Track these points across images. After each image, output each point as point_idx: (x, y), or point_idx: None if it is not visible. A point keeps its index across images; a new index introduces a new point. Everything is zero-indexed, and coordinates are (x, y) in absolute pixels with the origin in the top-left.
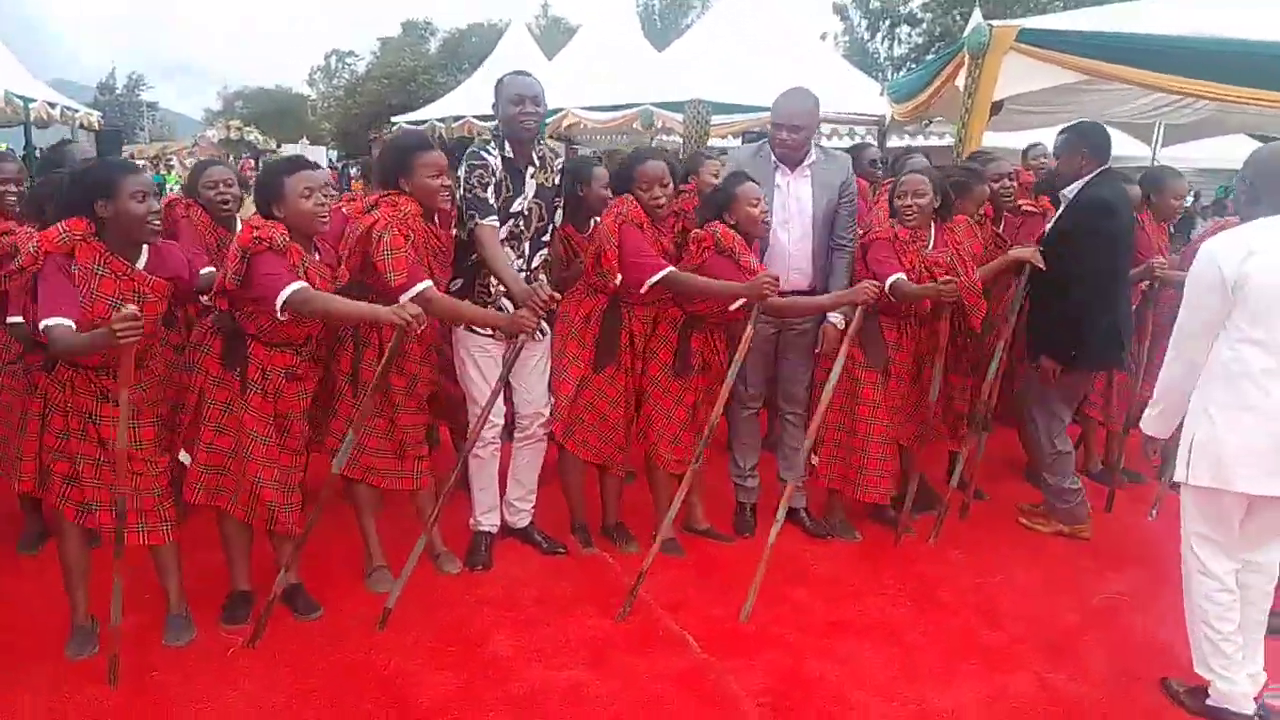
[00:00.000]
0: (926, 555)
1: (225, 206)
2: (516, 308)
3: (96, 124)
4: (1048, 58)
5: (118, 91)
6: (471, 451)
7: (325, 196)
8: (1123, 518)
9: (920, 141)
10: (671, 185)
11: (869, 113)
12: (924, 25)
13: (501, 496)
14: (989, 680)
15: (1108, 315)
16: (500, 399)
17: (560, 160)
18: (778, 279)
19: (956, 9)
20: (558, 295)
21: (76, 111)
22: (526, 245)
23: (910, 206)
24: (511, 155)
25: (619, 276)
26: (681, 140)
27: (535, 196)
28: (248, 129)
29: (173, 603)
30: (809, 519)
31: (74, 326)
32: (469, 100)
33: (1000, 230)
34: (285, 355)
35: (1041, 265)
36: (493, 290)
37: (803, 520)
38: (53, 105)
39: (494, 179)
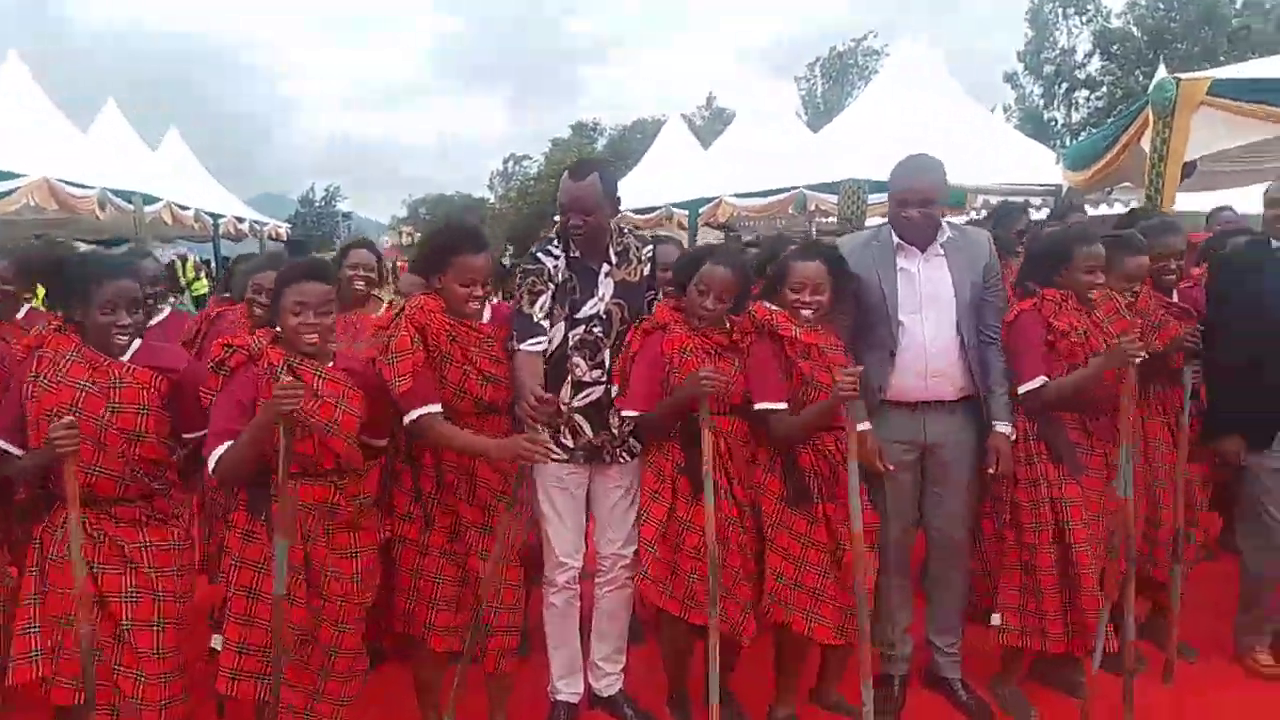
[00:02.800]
0: None
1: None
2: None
3: (285, 235)
4: (1246, 111)
5: (316, 203)
6: (544, 600)
7: (325, 313)
8: None
9: (1104, 210)
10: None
11: (1044, 183)
12: (1104, 88)
13: (586, 655)
14: None
15: None
16: (580, 536)
17: (648, 250)
18: (712, 375)
19: (1139, 68)
20: (547, 396)
21: (265, 225)
22: (606, 353)
23: (1096, 284)
24: (579, 253)
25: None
26: (836, 222)
27: (615, 296)
28: (419, 234)
29: None
30: (964, 691)
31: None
32: (626, 195)
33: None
34: (319, 488)
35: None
36: (563, 407)
37: (956, 693)
38: (241, 220)
39: (550, 286)
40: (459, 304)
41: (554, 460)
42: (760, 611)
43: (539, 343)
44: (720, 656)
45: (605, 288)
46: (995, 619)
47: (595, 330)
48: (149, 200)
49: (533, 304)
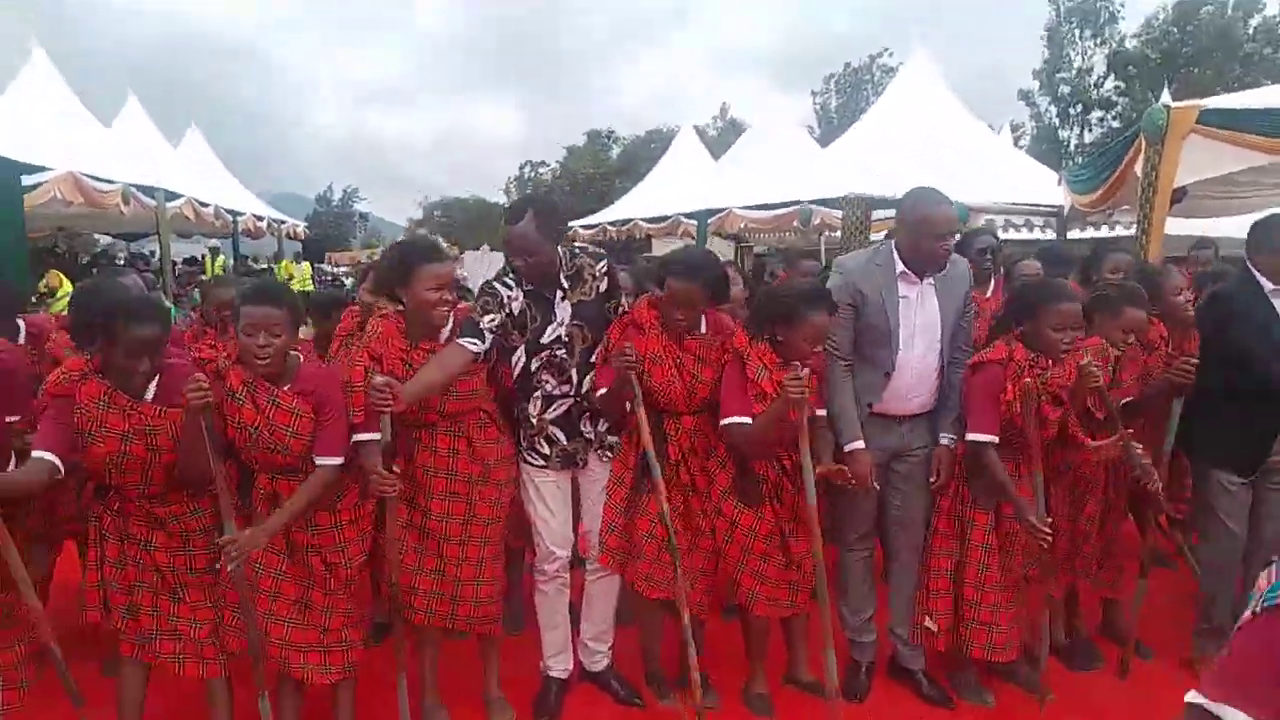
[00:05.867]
0: None
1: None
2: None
3: (302, 234)
4: (1234, 139)
5: (333, 203)
6: (535, 586)
7: (275, 335)
8: None
9: (1105, 233)
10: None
11: (1045, 203)
12: (1119, 108)
13: (576, 635)
14: None
15: None
16: (568, 527)
17: (602, 265)
18: (627, 354)
19: (1153, 90)
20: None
21: (283, 223)
22: (574, 371)
23: (1071, 342)
24: (533, 286)
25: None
26: (840, 236)
27: (574, 319)
28: (434, 236)
29: None
30: (926, 682)
31: (57, 463)
32: (636, 204)
33: (1170, 348)
34: (295, 482)
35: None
36: (534, 420)
37: (919, 683)
38: (260, 218)
39: (503, 312)
40: (428, 310)
41: (534, 465)
42: (715, 589)
43: (474, 343)
44: (685, 629)
45: (562, 312)
46: (928, 622)
47: (559, 353)
48: (171, 196)
49: (482, 315)
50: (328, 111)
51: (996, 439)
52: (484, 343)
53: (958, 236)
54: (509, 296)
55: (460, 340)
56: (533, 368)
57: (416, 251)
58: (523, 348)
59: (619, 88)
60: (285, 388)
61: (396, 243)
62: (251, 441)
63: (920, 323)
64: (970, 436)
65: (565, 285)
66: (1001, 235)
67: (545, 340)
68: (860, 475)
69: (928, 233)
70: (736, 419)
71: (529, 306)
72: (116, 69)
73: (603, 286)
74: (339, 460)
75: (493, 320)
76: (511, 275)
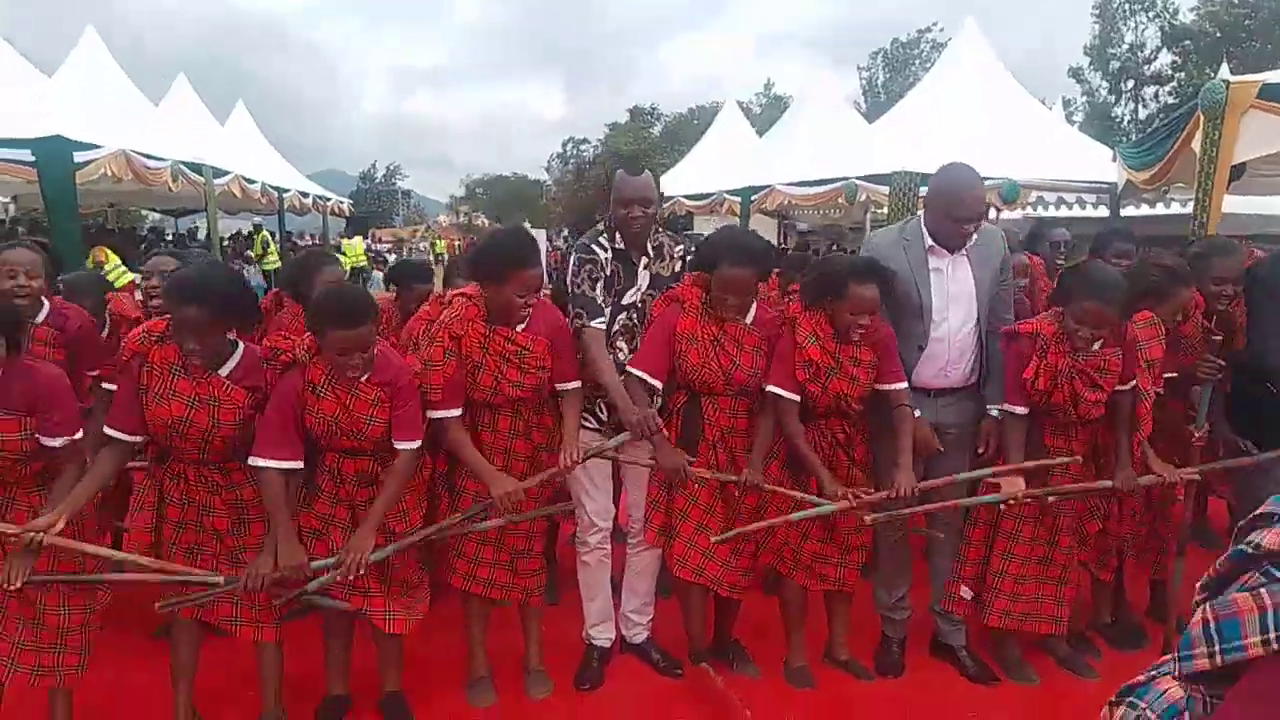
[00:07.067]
0: None
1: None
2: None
3: (347, 210)
4: None
5: (377, 180)
6: (578, 558)
7: (365, 350)
8: None
9: (1160, 210)
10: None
11: (1098, 180)
12: (1175, 83)
13: (617, 606)
14: None
15: None
16: (610, 500)
17: (680, 249)
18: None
19: (1210, 65)
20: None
21: (328, 200)
22: (640, 340)
23: (1086, 338)
24: (623, 246)
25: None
26: (886, 213)
27: (650, 287)
28: (475, 214)
29: (268, 703)
30: (970, 659)
31: (131, 439)
32: (679, 181)
33: (1211, 324)
34: (361, 461)
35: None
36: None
37: (962, 660)
38: (305, 194)
39: (604, 274)
40: (512, 311)
41: (588, 432)
42: (757, 568)
43: (604, 322)
44: (721, 611)
45: (643, 279)
46: (965, 591)
47: (633, 318)
48: (218, 173)
49: (594, 288)
50: (373, 92)
51: (1022, 410)
52: (605, 316)
53: (982, 223)
54: (605, 258)
55: (591, 324)
56: (613, 329)
57: (514, 254)
58: (608, 309)
59: (663, 66)
60: (365, 379)
61: (494, 236)
62: (331, 430)
63: (954, 293)
64: (1001, 407)
65: (650, 254)
66: (1053, 212)
67: (625, 301)
68: (924, 439)
69: (950, 214)
70: (778, 389)
71: (617, 267)
72: (166, 49)
73: (677, 267)
74: (419, 443)
75: (601, 290)
76: (604, 234)
